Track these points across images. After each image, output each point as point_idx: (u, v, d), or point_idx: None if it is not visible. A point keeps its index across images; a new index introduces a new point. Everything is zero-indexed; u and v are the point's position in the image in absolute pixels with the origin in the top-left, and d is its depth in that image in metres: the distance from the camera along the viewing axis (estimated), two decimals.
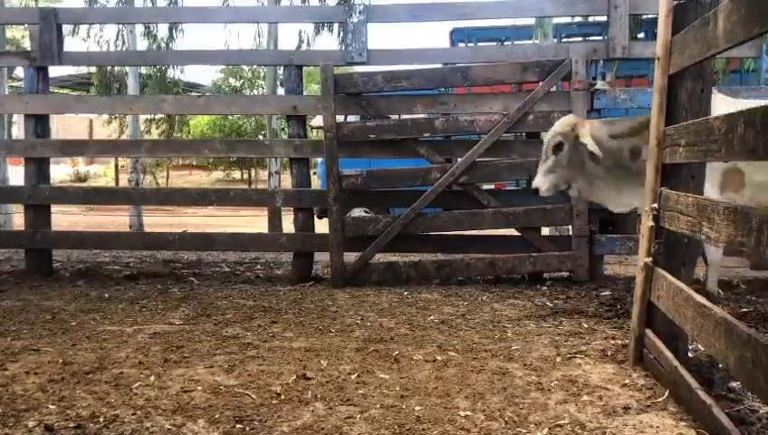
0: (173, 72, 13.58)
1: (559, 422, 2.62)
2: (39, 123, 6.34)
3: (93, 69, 13.38)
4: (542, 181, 4.65)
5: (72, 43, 13.19)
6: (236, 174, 26.33)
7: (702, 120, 2.58)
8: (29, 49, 6.43)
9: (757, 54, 5.89)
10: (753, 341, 1.93)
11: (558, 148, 4.55)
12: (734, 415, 2.62)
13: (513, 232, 5.90)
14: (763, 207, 4.49)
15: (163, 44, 12.60)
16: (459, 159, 5.68)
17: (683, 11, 3.06)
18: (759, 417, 2.68)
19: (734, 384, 3.00)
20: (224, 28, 12.55)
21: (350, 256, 5.82)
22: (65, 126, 27.11)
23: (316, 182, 9.40)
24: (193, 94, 15.60)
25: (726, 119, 2.19)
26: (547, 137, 4.65)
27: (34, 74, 6.27)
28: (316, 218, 6.31)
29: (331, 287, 5.57)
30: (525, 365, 3.39)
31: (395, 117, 6.03)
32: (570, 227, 5.76)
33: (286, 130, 6.26)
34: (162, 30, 12.81)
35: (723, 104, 4.24)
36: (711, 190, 4.24)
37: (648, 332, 3.22)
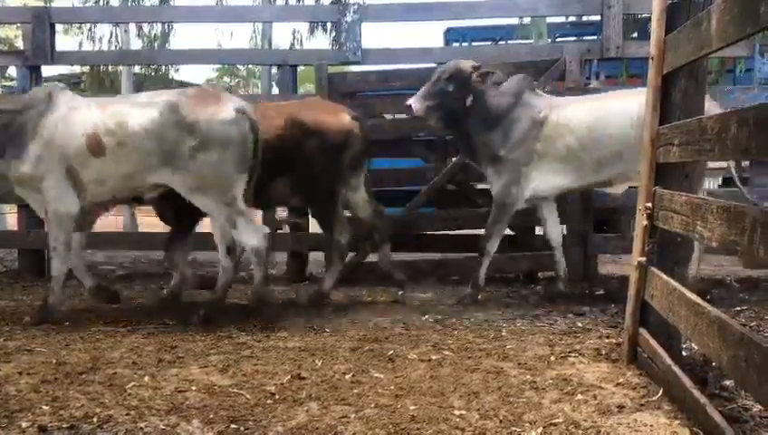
0: (168, 72, 13.54)
1: (553, 421, 2.62)
2: None
3: (87, 68, 13.30)
4: None
5: (65, 43, 13.18)
6: None
7: (695, 120, 2.58)
8: (22, 48, 6.40)
9: (750, 54, 5.90)
10: (747, 340, 1.94)
11: None
12: (728, 413, 2.62)
13: (507, 231, 5.90)
14: (92, 200, 4.29)
15: (157, 43, 12.55)
16: (454, 159, 5.68)
17: (676, 10, 3.06)
18: (752, 415, 2.69)
19: (727, 383, 3.01)
20: (216, 29, 12.48)
21: None
22: None
23: None
24: None
25: (720, 118, 2.20)
26: None
27: (27, 74, 6.24)
28: (311, 218, 6.29)
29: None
30: (520, 364, 3.40)
31: (389, 116, 6.03)
32: (564, 226, 5.77)
33: None
34: (157, 29, 12.78)
35: None
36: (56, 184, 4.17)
37: (642, 331, 3.23)
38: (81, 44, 12.52)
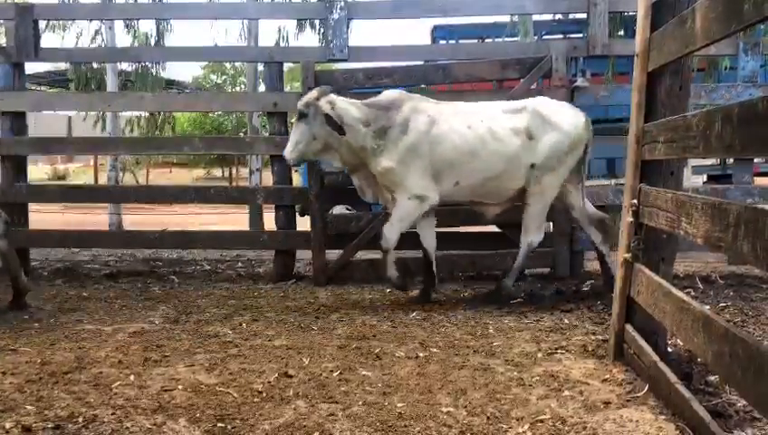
0: (155, 69, 13.43)
1: (540, 417, 2.64)
2: (16, 121, 6.25)
3: (68, 66, 13.16)
4: None
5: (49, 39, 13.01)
6: (217, 172, 26.16)
7: (680, 117, 2.60)
8: (5, 45, 6.33)
9: (734, 52, 5.94)
10: (731, 336, 1.95)
11: None
12: (712, 409, 2.64)
13: (494, 229, 5.91)
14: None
15: (148, 40, 12.44)
16: None
17: (662, 8, 3.08)
18: (736, 410, 2.72)
19: (711, 378, 3.03)
20: (211, 27, 12.44)
21: (333, 254, 5.81)
22: (44, 124, 26.76)
23: (298, 180, 9.36)
24: (173, 91, 15.48)
25: (704, 115, 2.21)
26: None
27: (10, 71, 6.17)
28: (298, 216, 6.28)
29: (312, 285, 5.54)
30: (507, 361, 3.41)
31: None
32: (550, 223, 5.79)
33: (267, 127, 6.22)
34: (143, 26, 12.67)
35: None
36: None
37: (628, 327, 3.25)
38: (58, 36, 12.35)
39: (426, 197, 4.63)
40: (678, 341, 3.36)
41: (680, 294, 2.52)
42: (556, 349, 3.62)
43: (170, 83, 16.05)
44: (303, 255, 6.19)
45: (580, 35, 8.02)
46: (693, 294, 4.84)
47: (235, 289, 5.45)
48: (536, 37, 10.65)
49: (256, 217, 10.19)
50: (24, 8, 6.23)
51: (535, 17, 10.25)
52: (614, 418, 2.62)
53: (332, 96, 4.69)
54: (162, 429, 2.57)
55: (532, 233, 4.76)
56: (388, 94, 4.85)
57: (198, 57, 7.72)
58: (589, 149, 4.81)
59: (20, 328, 4.13)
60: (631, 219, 3.12)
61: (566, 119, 4.69)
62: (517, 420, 2.63)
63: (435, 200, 4.66)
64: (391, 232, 4.66)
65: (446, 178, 4.65)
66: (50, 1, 10.28)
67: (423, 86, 6.77)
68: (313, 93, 4.67)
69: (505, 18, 10.63)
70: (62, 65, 13.95)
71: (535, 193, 4.70)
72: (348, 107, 4.67)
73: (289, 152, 4.69)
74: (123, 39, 12.73)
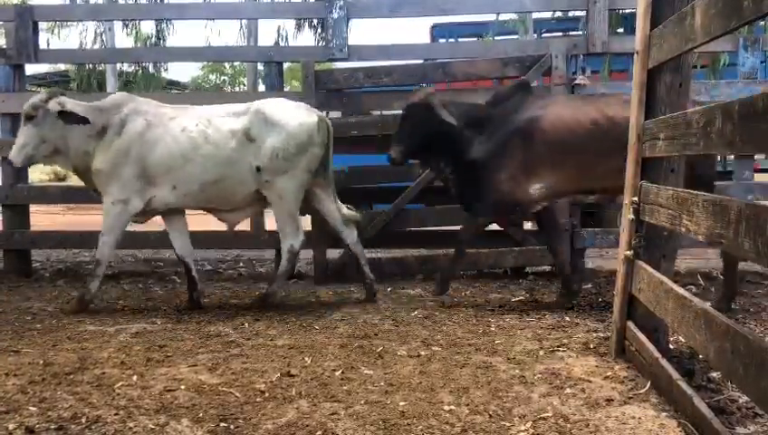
0: (159, 70, 13.44)
1: (542, 415, 2.64)
2: (16, 122, 6.25)
3: (71, 66, 13.17)
4: None
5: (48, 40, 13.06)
6: None
7: (680, 114, 2.60)
8: (4, 47, 6.33)
9: (734, 49, 5.93)
10: (733, 332, 1.96)
11: None
12: (715, 405, 2.65)
13: (495, 226, 5.91)
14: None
15: (148, 41, 12.45)
16: None
17: (661, 5, 3.08)
18: (739, 406, 2.72)
19: (714, 375, 3.04)
20: (205, 26, 12.48)
21: (334, 253, 5.81)
22: None
23: None
24: (173, 92, 15.47)
25: (705, 112, 2.21)
26: None
27: (10, 72, 6.17)
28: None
29: (314, 284, 5.55)
30: (509, 359, 3.41)
31: (376, 113, 6.02)
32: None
33: None
34: (144, 27, 12.69)
35: None
36: None
37: (630, 324, 3.25)
38: (49, 42, 12.38)
39: (129, 200, 4.52)
40: (680, 337, 3.37)
41: (681, 290, 2.52)
42: (558, 346, 3.62)
43: (171, 84, 16.07)
44: (304, 254, 6.18)
45: (580, 33, 8.01)
46: (694, 290, 4.85)
47: (236, 289, 5.46)
48: (536, 35, 10.65)
49: (257, 217, 10.19)
50: (23, 9, 6.24)
51: (535, 15, 10.25)
52: (616, 415, 2.63)
53: (62, 98, 4.58)
54: (165, 429, 2.57)
55: (289, 237, 4.64)
56: (114, 96, 4.77)
57: (200, 57, 7.74)
58: (330, 151, 4.73)
59: (22, 329, 4.14)
60: (632, 217, 3.13)
61: (292, 119, 4.54)
62: (519, 417, 2.63)
63: (138, 206, 4.54)
64: (104, 246, 4.60)
65: (162, 182, 4.53)
66: (50, 2, 10.30)
67: (423, 85, 6.78)
68: (42, 95, 4.57)
69: (505, 16, 10.63)
70: (62, 66, 13.96)
71: (273, 199, 4.60)
72: (75, 108, 4.53)
73: (15, 155, 4.50)
74: (123, 40, 12.70)
